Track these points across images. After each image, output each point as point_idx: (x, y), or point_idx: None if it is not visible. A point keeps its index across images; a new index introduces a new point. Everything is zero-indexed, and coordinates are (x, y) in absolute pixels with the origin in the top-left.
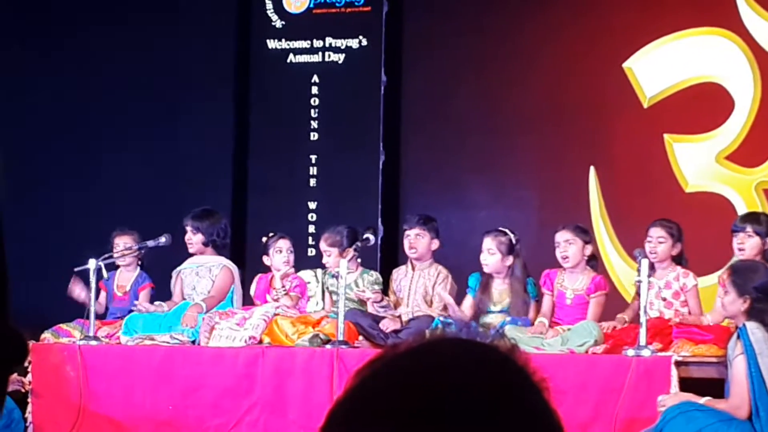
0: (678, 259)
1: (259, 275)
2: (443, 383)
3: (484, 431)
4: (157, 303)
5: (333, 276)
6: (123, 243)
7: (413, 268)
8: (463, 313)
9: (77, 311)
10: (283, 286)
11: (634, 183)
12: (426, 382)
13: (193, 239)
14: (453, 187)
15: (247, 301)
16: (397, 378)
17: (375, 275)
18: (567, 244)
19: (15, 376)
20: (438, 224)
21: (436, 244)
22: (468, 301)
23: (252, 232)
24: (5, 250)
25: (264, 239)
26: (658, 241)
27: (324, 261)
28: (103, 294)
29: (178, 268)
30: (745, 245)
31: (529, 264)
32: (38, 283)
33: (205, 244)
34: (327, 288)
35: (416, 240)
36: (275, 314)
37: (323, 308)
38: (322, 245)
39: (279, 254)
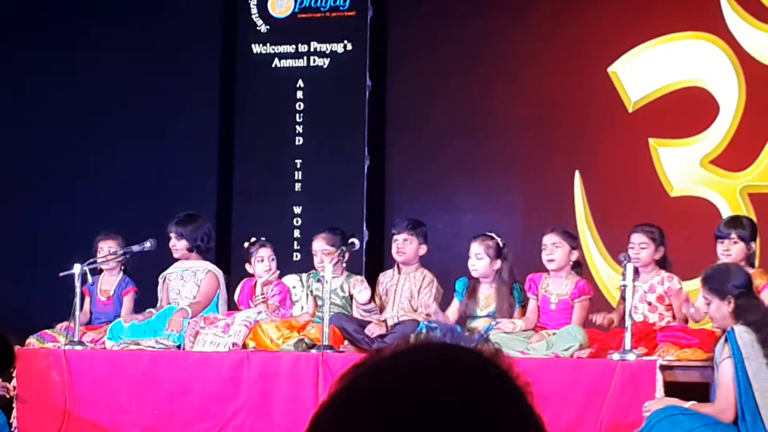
0: (662, 263)
1: (245, 280)
2: (427, 388)
3: None
4: (147, 311)
5: (318, 280)
6: (107, 247)
7: (399, 272)
8: (447, 319)
9: (62, 316)
10: (263, 293)
11: (619, 187)
12: (409, 386)
13: (178, 245)
14: (438, 192)
15: (233, 306)
16: (381, 383)
17: (361, 279)
18: (554, 247)
19: (0, 381)
20: (426, 229)
21: (423, 249)
22: (454, 306)
23: (237, 236)
24: None
25: (246, 245)
26: (640, 247)
27: (317, 262)
28: (87, 300)
29: (164, 273)
30: (732, 251)
31: (514, 268)
32: (23, 287)
33: (190, 250)
34: (311, 292)
35: (404, 245)
36: (257, 320)
37: (308, 312)
38: (321, 245)
39: (260, 263)
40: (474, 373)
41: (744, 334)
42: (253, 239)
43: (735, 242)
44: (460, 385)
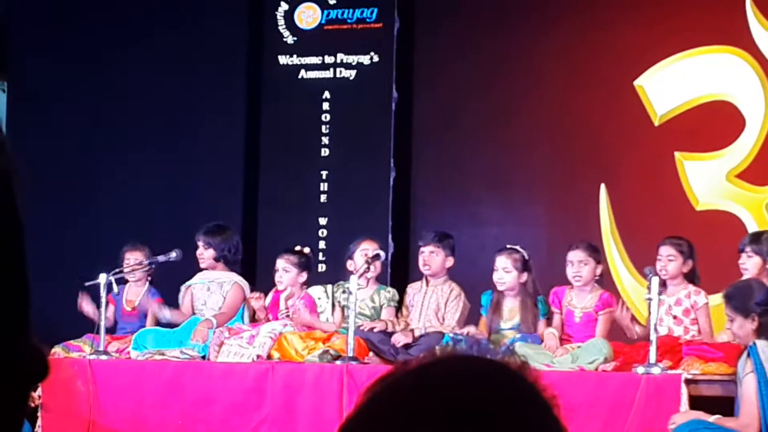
0: (690, 277)
1: (273, 290)
2: (453, 401)
3: None
4: (162, 307)
5: (344, 291)
6: (134, 258)
7: (427, 284)
8: (476, 334)
9: (87, 326)
10: (287, 308)
11: (645, 201)
12: (436, 399)
13: (205, 254)
14: (463, 203)
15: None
16: (407, 395)
17: (392, 292)
18: (581, 265)
19: None
20: (453, 242)
21: (450, 261)
22: (482, 320)
23: (262, 247)
24: (27, 264)
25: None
26: (668, 259)
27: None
28: (111, 308)
29: (189, 282)
30: (747, 265)
31: (539, 280)
32: (49, 297)
33: (216, 260)
34: (338, 302)
35: (430, 257)
36: (281, 332)
37: (333, 322)
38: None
39: (276, 273)
40: (501, 386)
41: (766, 349)
42: (297, 248)
43: (749, 256)
44: (487, 398)
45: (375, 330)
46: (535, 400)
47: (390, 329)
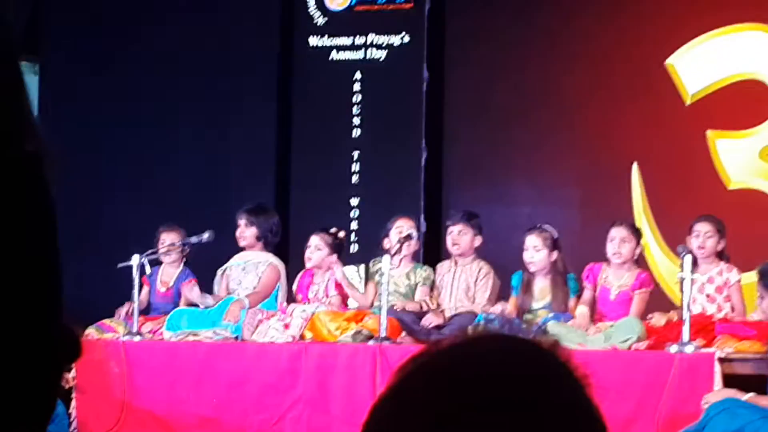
0: (721, 255)
1: (303, 271)
2: (485, 379)
3: (526, 426)
4: (204, 294)
5: (378, 270)
6: (169, 239)
7: (456, 264)
8: (508, 312)
9: (121, 306)
10: (326, 291)
11: (677, 180)
12: (468, 378)
13: (246, 232)
14: (495, 184)
15: (291, 298)
16: (439, 375)
17: (428, 271)
18: (622, 242)
19: None
20: (481, 221)
21: (479, 240)
22: (512, 301)
23: (294, 228)
24: (59, 246)
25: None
26: (706, 236)
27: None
28: (145, 289)
29: (224, 266)
30: None
31: (571, 260)
32: (83, 278)
33: (258, 239)
34: (373, 278)
35: (459, 236)
36: (313, 312)
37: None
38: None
39: (308, 249)
40: (533, 365)
41: None
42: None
43: None
44: (519, 376)
45: (407, 309)
46: (568, 379)
47: (424, 309)
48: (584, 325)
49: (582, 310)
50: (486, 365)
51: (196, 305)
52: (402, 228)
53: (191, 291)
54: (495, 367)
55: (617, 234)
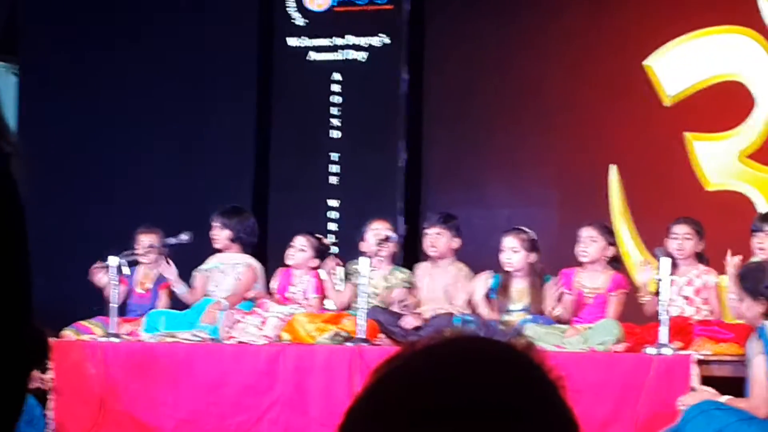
0: (699, 258)
1: (281, 269)
2: (459, 382)
3: (499, 429)
4: (180, 281)
5: (355, 273)
6: (147, 240)
7: (434, 266)
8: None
9: (99, 308)
10: (305, 294)
11: (655, 182)
12: (442, 381)
13: (220, 235)
14: (474, 186)
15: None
16: (414, 376)
17: (407, 273)
18: (589, 241)
19: (37, 373)
20: (459, 222)
21: (457, 242)
22: (485, 301)
23: (273, 229)
24: (29, 248)
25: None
26: (684, 237)
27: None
28: (122, 287)
29: (201, 267)
30: (765, 244)
31: (550, 262)
32: (59, 279)
33: (232, 241)
34: (351, 280)
35: (436, 239)
36: (291, 313)
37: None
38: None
39: (290, 248)
40: (507, 367)
41: None
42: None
43: None
44: (493, 379)
45: (393, 296)
46: (542, 381)
47: (408, 302)
48: (564, 317)
49: (566, 301)
50: (460, 367)
51: (174, 307)
52: (378, 230)
53: (169, 269)
54: (469, 370)
55: (585, 234)
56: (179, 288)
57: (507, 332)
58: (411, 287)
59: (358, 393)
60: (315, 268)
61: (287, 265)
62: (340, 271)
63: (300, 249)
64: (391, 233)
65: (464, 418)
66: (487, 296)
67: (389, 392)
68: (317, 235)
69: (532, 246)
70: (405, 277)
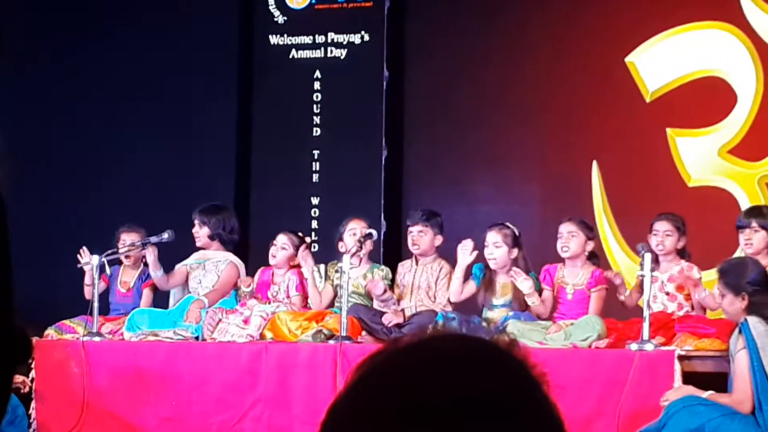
0: (681, 253)
1: (262, 268)
2: (441, 379)
3: (482, 426)
4: (159, 265)
5: (338, 271)
6: (129, 239)
7: (417, 263)
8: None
9: (82, 308)
10: (287, 292)
11: (637, 177)
12: (424, 378)
13: (200, 233)
14: (456, 182)
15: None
16: (396, 374)
17: (385, 270)
18: (569, 236)
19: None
20: (442, 219)
21: (439, 239)
22: (470, 287)
23: (255, 227)
24: (10, 247)
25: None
26: (665, 234)
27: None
28: (103, 285)
29: (184, 262)
30: (753, 240)
31: (532, 258)
32: (42, 278)
33: (211, 238)
34: (331, 281)
35: (419, 236)
36: (274, 312)
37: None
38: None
39: (273, 247)
40: (489, 364)
41: (758, 325)
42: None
43: (756, 230)
44: (476, 376)
45: (378, 287)
46: (524, 377)
47: (387, 295)
48: (543, 313)
49: (544, 298)
50: (442, 365)
51: (157, 306)
52: (355, 230)
53: (151, 251)
54: (452, 368)
55: (564, 229)
56: (155, 272)
57: (490, 329)
58: (392, 284)
59: (340, 391)
60: (297, 266)
61: (268, 265)
62: (322, 268)
63: (281, 247)
64: (373, 230)
65: (447, 416)
66: (468, 277)
67: (371, 390)
68: (299, 234)
69: (514, 242)
70: (383, 274)
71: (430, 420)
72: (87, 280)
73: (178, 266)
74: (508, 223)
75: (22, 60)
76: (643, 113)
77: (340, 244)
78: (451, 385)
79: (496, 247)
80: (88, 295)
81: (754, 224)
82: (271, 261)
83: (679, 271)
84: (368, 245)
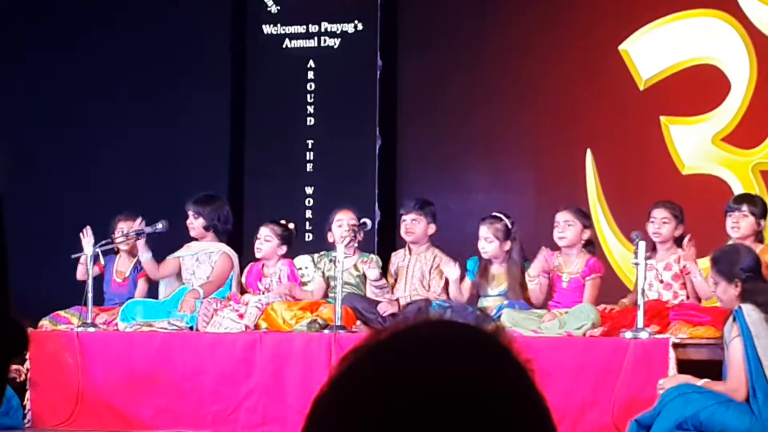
0: (679, 241)
1: (251, 264)
2: (426, 368)
3: (466, 415)
4: (147, 249)
5: (330, 260)
6: (127, 228)
7: (410, 252)
8: (461, 294)
9: (77, 298)
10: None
11: (631, 166)
12: (408, 367)
13: (195, 224)
14: (450, 171)
15: (242, 290)
16: (381, 364)
17: (375, 258)
18: (566, 225)
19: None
20: (435, 208)
21: (432, 228)
22: (466, 284)
23: (249, 217)
24: (5, 237)
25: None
26: (662, 221)
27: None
28: (96, 270)
29: (177, 254)
30: (740, 224)
31: (527, 246)
32: (36, 269)
33: (206, 229)
34: (323, 272)
35: (412, 225)
36: (268, 302)
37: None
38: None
39: (257, 240)
40: (474, 352)
41: (752, 313)
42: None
43: (745, 215)
44: (459, 364)
45: (373, 271)
46: (509, 363)
47: (382, 282)
48: (538, 299)
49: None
50: (427, 354)
51: (152, 296)
52: (342, 221)
53: (140, 245)
54: (436, 355)
55: (561, 218)
56: (144, 255)
57: (477, 315)
58: (385, 272)
59: (324, 383)
60: (285, 256)
61: (257, 259)
62: (316, 258)
63: (265, 239)
64: (367, 220)
65: (431, 404)
66: (463, 278)
67: (356, 381)
68: (281, 222)
69: (506, 234)
70: (373, 261)
71: (415, 409)
72: (82, 260)
73: (169, 257)
74: (500, 215)
75: (17, 53)
76: (636, 101)
77: (329, 234)
78: (435, 374)
79: (488, 242)
80: (80, 276)
81: (744, 208)
82: (258, 254)
83: (682, 269)
84: (360, 235)
